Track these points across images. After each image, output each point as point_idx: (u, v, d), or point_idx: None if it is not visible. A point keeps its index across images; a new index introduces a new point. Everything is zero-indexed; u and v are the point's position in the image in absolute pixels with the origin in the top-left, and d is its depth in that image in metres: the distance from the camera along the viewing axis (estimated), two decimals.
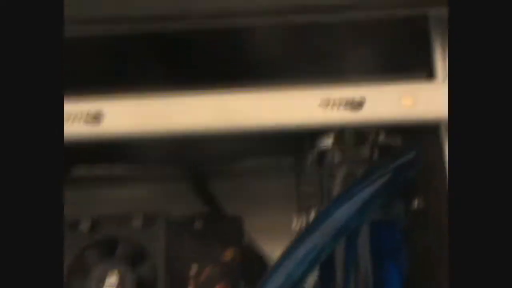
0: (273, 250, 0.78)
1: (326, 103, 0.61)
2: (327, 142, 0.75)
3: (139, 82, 0.64)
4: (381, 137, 0.73)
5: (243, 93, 0.62)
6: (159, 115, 0.61)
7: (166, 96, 0.62)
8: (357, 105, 0.61)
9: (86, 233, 0.78)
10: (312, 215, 0.74)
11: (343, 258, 0.73)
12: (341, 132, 0.74)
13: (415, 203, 0.69)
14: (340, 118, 0.61)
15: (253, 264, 0.83)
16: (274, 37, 0.68)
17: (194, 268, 0.80)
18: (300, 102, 0.61)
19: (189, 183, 0.92)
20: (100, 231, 0.79)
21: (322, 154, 0.76)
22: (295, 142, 0.80)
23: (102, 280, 0.76)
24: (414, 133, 0.68)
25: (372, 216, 0.72)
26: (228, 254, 0.82)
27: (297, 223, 0.75)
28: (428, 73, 0.66)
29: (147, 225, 0.78)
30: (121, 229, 0.79)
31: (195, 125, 0.61)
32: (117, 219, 0.79)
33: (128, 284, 0.76)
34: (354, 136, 0.74)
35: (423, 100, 0.61)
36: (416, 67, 0.67)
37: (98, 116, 0.61)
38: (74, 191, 0.87)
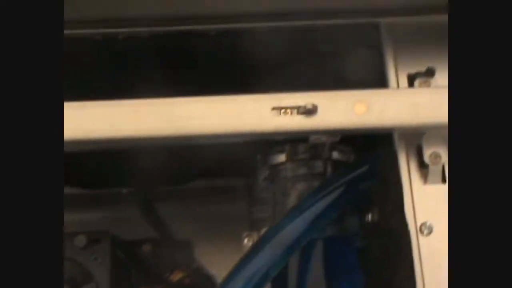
0: (223, 272, 0.76)
1: (279, 109, 0.60)
2: (280, 157, 0.74)
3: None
4: (334, 152, 0.73)
5: (194, 100, 0.60)
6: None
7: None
8: (310, 111, 0.59)
9: None
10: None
11: (296, 278, 0.71)
12: (294, 147, 0.73)
13: (370, 216, 0.67)
14: (293, 124, 0.59)
15: (201, 286, 0.80)
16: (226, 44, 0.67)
17: None
18: (253, 108, 0.59)
19: (137, 206, 0.89)
20: None
21: (275, 170, 0.75)
22: (247, 161, 0.79)
23: None
24: (368, 144, 0.67)
25: (325, 232, 0.71)
26: (176, 276, 0.79)
27: (247, 242, 0.73)
28: (381, 81, 0.65)
29: (90, 245, 0.75)
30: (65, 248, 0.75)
31: (143, 131, 0.59)
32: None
33: None
34: (307, 151, 0.73)
35: (376, 107, 0.59)
36: (369, 75, 0.66)
37: None
38: None
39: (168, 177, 0.87)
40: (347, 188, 0.67)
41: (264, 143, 0.74)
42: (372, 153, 0.67)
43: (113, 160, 0.81)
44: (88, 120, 0.59)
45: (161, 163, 0.82)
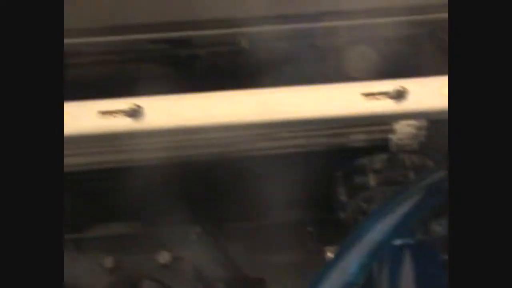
0: None
1: (369, 95, 0.61)
2: (360, 169, 0.74)
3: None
4: (414, 159, 0.73)
5: (287, 89, 0.61)
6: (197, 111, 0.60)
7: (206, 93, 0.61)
8: (399, 96, 0.61)
9: (108, 272, 0.74)
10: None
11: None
12: (374, 156, 0.74)
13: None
14: (383, 108, 0.60)
15: None
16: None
17: None
18: (344, 95, 0.60)
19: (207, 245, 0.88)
20: (124, 270, 0.74)
21: (355, 185, 0.75)
22: (320, 191, 0.79)
23: None
24: None
25: (410, 237, 0.70)
26: None
27: (331, 255, 0.72)
28: None
29: (173, 262, 0.74)
30: (145, 266, 0.74)
31: (241, 118, 0.60)
32: (141, 257, 0.75)
33: None
34: (387, 159, 0.73)
35: None
36: None
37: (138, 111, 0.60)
38: None
39: (238, 213, 0.86)
40: (429, 192, 0.67)
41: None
42: None
43: (182, 196, 0.81)
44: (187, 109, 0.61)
45: (232, 199, 0.83)
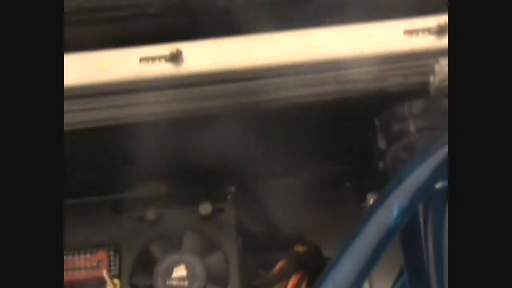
0: None
1: (411, 32, 0.60)
2: (400, 111, 0.73)
3: None
4: None
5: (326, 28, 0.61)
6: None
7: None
8: (441, 31, 0.60)
9: (150, 225, 0.74)
10: None
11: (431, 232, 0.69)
12: (413, 101, 0.73)
13: None
14: (426, 45, 0.60)
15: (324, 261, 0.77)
16: None
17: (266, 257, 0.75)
18: (386, 32, 0.60)
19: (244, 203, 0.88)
20: (166, 223, 0.74)
21: (393, 127, 0.74)
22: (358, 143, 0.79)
23: (169, 274, 0.71)
24: None
25: None
26: (300, 248, 0.77)
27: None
28: None
29: (215, 214, 0.74)
30: (187, 219, 0.74)
31: (282, 59, 0.60)
32: (182, 210, 0.75)
33: (197, 276, 0.71)
34: (426, 104, 0.72)
35: None
36: None
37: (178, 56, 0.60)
38: None
39: (275, 169, 0.86)
40: None
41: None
42: None
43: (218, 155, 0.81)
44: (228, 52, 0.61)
45: (270, 153, 0.83)
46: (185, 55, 0.61)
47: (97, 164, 0.80)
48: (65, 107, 0.63)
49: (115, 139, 0.75)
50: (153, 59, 0.61)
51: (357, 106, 0.73)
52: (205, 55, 0.61)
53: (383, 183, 0.69)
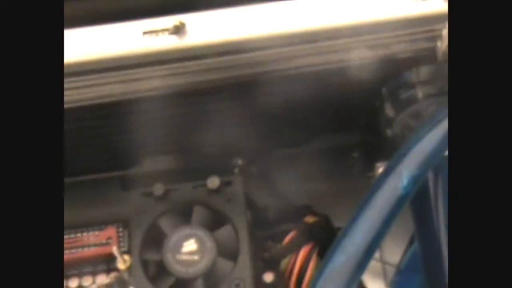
0: None
1: None
2: (407, 78, 0.72)
3: None
4: None
5: None
6: None
7: None
8: None
9: (158, 200, 0.73)
10: None
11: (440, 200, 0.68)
12: (420, 68, 0.72)
13: None
14: (434, 9, 0.59)
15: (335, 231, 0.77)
16: None
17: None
18: None
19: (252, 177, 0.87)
20: (174, 197, 0.74)
21: (402, 100, 0.73)
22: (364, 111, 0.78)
23: (178, 249, 0.71)
24: None
25: None
26: (310, 219, 0.76)
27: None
28: None
29: (223, 187, 0.74)
30: (195, 193, 0.74)
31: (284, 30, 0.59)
32: (190, 184, 0.75)
33: (207, 250, 0.71)
34: (434, 70, 0.71)
35: None
36: None
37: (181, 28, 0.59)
38: None
39: (282, 141, 0.85)
40: None
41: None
42: None
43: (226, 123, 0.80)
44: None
45: (276, 125, 0.82)
46: (188, 27, 0.60)
47: (103, 140, 0.80)
48: (68, 84, 0.62)
49: (120, 114, 0.74)
50: (156, 32, 0.60)
51: (364, 74, 0.72)
52: (208, 27, 0.60)
53: (392, 152, 0.69)
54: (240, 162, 0.87)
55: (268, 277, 0.74)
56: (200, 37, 0.60)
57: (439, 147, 0.63)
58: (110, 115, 0.74)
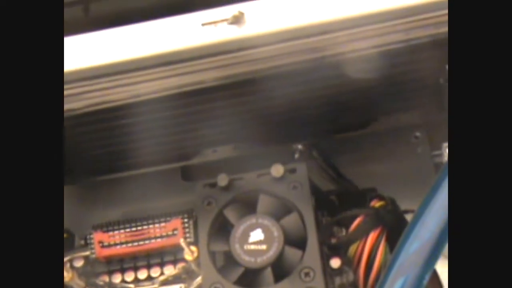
0: None
1: None
2: None
3: None
4: None
5: None
6: None
7: None
8: None
9: (224, 190, 0.73)
10: None
11: None
12: None
13: None
14: None
15: (400, 216, 0.76)
16: None
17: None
18: None
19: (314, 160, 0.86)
20: (238, 187, 0.74)
21: None
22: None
23: (246, 239, 0.71)
24: None
25: None
26: (376, 203, 0.75)
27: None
28: None
29: (287, 175, 0.73)
30: (259, 181, 0.74)
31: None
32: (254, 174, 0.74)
33: (275, 239, 0.70)
34: None
35: None
36: None
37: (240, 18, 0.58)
38: None
39: (345, 122, 0.84)
40: None
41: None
42: None
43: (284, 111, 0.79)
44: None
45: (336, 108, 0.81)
46: (247, 16, 0.59)
47: (164, 132, 0.80)
48: (131, 79, 0.63)
49: (180, 106, 0.74)
50: (215, 23, 0.59)
51: (427, 52, 0.70)
52: (267, 15, 0.59)
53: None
54: (300, 147, 0.87)
55: (336, 262, 0.73)
56: (259, 26, 0.59)
57: None
58: (170, 107, 0.74)
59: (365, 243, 0.71)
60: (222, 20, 0.59)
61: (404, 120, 0.85)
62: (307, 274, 0.68)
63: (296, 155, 0.86)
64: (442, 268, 0.80)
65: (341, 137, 0.86)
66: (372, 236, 0.71)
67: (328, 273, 0.72)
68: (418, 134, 0.87)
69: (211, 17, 0.60)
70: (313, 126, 0.85)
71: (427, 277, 0.58)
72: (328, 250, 0.74)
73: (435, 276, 0.74)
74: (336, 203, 0.82)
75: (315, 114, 0.82)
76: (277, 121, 0.82)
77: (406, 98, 0.81)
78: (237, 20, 0.59)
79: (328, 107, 0.80)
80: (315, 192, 0.76)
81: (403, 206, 0.78)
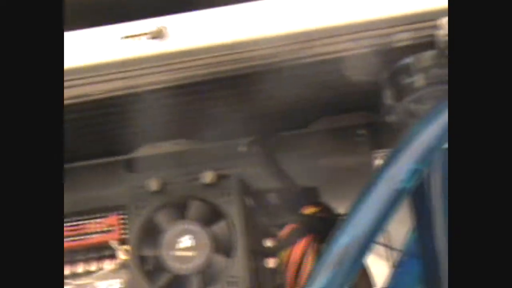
0: None
1: None
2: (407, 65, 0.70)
3: None
4: None
5: None
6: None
7: None
8: None
9: (154, 194, 0.73)
10: None
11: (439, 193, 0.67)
12: (420, 54, 0.69)
13: None
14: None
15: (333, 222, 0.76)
16: None
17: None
18: None
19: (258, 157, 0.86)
20: (169, 191, 0.73)
21: (401, 85, 0.71)
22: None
23: (174, 243, 0.71)
24: None
25: None
26: (308, 210, 0.75)
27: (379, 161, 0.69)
28: None
29: (218, 181, 0.73)
30: (190, 188, 0.73)
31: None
32: (185, 178, 0.74)
33: (203, 245, 0.70)
34: (434, 57, 0.68)
35: None
36: None
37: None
38: None
39: (288, 121, 0.84)
40: None
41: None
42: None
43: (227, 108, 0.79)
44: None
45: (280, 106, 0.80)
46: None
47: (106, 127, 0.80)
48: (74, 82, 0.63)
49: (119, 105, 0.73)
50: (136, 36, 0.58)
51: (365, 62, 0.70)
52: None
53: (394, 134, 0.68)
54: (244, 144, 0.86)
55: (271, 262, 0.74)
56: (182, 41, 0.58)
57: (438, 141, 0.62)
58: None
59: (293, 250, 0.72)
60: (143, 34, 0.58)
61: (348, 120, 0.85)
62: (233, 283, 0.68)
63: (241, 148, 0.86)
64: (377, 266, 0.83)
65: (285, 135, 0.86)
66: (300, 244, 0.72)
67: (264, 273, 0.73)
68: (361, 132, 0.87)
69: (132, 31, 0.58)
70: (257, 123, 0.84)
71: (357, 271, 0.61)
72: (262, 254, 0.74)
73: (365, 271, 0.76)
74: (276, 201, 0.82)
75: (259, 112, 0.81)
76: (221, 118, 0.81)
77: (349, 100, 0.80)
78: (158, 34, 0.57)
79: (272, 107, 0.80)
80: (253, 192, 0.76)
81: (343, 204, 0.78)
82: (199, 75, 0.67)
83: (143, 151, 0.85)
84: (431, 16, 0.61)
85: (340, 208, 0.80)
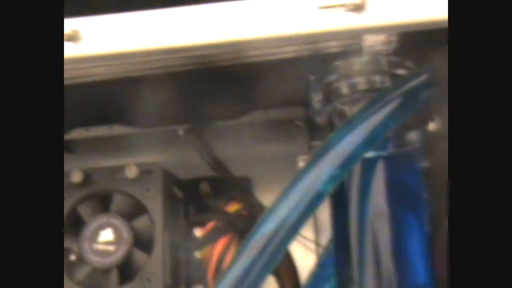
0: None
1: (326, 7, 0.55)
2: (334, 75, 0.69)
3: None
4: (393, 65, 0.68)
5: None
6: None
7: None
8: (359, 8, 0.55)
9: (77, 186, 0.73)
10: None
11: (356, 199, 0.67)
12: (348, 60, 0.68)
13: (431, 125, 0.63)
14: (344, 22, 0.55)
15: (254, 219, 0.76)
16: None
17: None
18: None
19: (194, 145, 0.86)
20: (93, 184, 0.73)
21: (329, 90, 0.70)
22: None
23: (96, 236, 0.71)
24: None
25: (386, 148, 0.66)
26: (232, 207, 0.76)
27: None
28: None
29: (142, 176, 0.72)
30: (114, 181, 0.73)
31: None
32: (109, 171, 0.74)
33: (124, 239, 0.70)
34: (363, 63, 0.68)
35: None
36: None
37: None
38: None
39: (224, 111, 0.83)
40: (405, 99, 0.62)
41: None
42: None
43: (167, 95, 0.78)
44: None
45: (216, 96, 0.80)
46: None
47: None
48: None
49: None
50: None
51: (293, 66, 0.69)
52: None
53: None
54: (181, 131, 0.86)
55: (197, 254, 0.74)
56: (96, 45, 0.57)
57: (360, 148, 0.62)
58: None
59: (214, 249, 0.72)
60: None
61: (286, 111, 0.84)
62: (149, 280, 0.69)
63: (180, 133, 0.85)
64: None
65: (223, 124, 0.86)
66: (221, 242, 0.72)
67: (190, 265, 0.74)
68: (299, 123, 0.87)
69: None
70: (194, 111, 0.84)
71: (277, 261, 0.60)
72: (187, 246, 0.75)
73: (289, 259, 0.77)
74: (208, 190, 0.82)
75: (196, 102, 0.81)
76: (158, 103, 0.81)
77: (286, 95, 0.80)
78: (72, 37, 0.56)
79: (209, 94, 0.79)
80: (184, 181, 0.76)
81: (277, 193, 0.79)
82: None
83: (75, 134, 0.85)
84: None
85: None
